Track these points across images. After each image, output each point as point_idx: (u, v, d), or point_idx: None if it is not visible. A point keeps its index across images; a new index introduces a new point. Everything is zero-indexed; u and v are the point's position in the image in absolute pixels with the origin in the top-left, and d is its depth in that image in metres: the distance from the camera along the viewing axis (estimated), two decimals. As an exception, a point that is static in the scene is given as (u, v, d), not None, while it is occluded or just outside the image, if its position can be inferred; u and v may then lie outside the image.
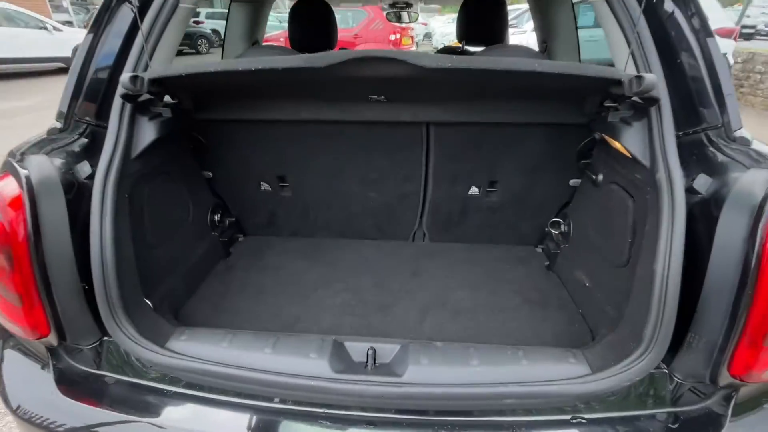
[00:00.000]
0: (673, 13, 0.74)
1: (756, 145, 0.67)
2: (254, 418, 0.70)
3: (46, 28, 7.45)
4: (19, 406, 0.72)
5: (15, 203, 0.66)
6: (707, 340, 0.63)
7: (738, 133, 0.69)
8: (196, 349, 0.73)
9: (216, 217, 1.18)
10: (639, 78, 0.64)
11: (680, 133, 0.73)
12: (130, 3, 0.79)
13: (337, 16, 1.46)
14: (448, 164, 1.09)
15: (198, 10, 14.84)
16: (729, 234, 0.59)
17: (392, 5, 2.66)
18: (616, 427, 0.66)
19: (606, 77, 0.66)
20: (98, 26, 0.81)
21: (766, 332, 0.59)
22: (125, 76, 0.69)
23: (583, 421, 0.66)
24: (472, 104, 0.93)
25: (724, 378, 0.64)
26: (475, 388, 0.66)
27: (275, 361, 0.70)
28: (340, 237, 1.31)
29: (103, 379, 0.76)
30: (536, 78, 0.70)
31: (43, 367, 0.76)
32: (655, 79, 0.63)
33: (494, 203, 1.17)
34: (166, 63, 0.86)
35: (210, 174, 1.15)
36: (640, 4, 0.73)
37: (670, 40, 0.74)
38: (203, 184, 1.13)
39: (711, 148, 0.69)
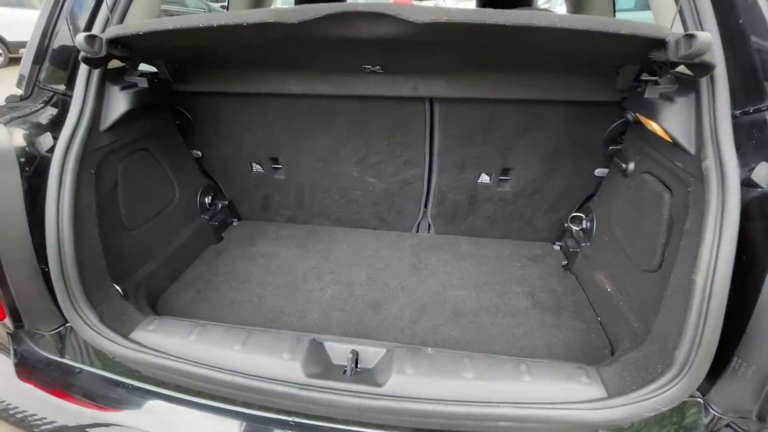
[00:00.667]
0: None
1: None
2: (216, 421, 0.63)
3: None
4: None
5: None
6: (758, 368, 0.50)
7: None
8: (161, 341, 0.66)
9: (207, 200, 1.12)
10: (689, 37, 0.50)
11: (738, 113, 0.59)
12: None
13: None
14: (455, 147, 0.96)
15: None
16: None
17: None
18: None
19: (647, 35, 0.53)
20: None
21: None
22: (80, 36, 0.61)
23: None
24: (482, 77, 0.80)
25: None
26: (464, 406, 0.56)
27: (243, 360, 0.62)
28: (337, 225, 1.22)
29: (67, 367, 0.71)
30: (558, 40, 0.58)
31: (2, 352, 0.71)
32: (710, 38, 0.50)
33: (507, 194, 1.04)
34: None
35: (199, 153, 1.08)
36: None
37: None
38: (191, 163, 1.06)
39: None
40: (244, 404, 0.63)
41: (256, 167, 1.11)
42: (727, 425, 0.55)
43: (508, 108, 0.87)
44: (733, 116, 0.59)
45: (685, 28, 0.61)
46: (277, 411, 0.62)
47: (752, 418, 0.53)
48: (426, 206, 1.13)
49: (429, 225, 1.18)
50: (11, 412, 0.68)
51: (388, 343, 0.68)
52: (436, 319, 0.86)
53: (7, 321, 0.67)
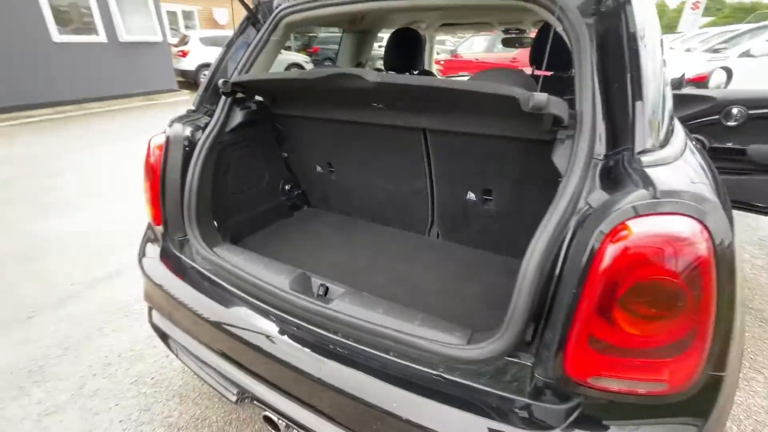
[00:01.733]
0: (616, 46, 0.78)
1: (650, 171, 0.67)
2: (237, 304, 1.06)
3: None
4: (141, 262, 1.27)
5: (160, 148, 1.20)
6: (551, 337, 0.68)
7: (642, 156, 0.69)
8: (225, 254, 1.14)
9: (286, 187, 1.63)
10: (531, 96, 0.73)
11: (607, 154, 0.76)
12: (256, 21, 1.28)
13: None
14: (446, 167, 1.25)
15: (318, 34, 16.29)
16: (579, 243, 0.65)
17: (505, 31, 2.77)
18: (469, 394, 0.75)
19: (503, 94, 0.77)
20: (224, 50, 1.33)
21: (590, 333, 0.62)
22: (219, 81, 1.16)
23: (441, 379, 0.78)
24: (457, 115, 1.08)
25: (564, 379, 0.67)
26: (369, 324, 0.86)
27: (260, 273, 1.05)
28: (371, 221, 1.59)
29: (182, 260, 1.24)
30: (462, 96, 0.86)
31: (156, 243, 1.29)
32: (543, 97, 0.72)
33: (492, 211, 1.26)
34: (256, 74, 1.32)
35: (285, 154, 1.60)
36: (591, 42, 0.80)
37: (609, 72, 0.78)
38: (279, 160, 1.60)
39: (620, 169, 0.71)
40: (257, 298, 1.04)
41: (319, 169, 1.58)
42: (540, 386, 0.71)
43: (480, 140, 1.12)
44: (605, 156, 0.76)
45: (578, 95, 0.80)
46: (271, 306, 1.01)
47: (553, 380, 0.69)
48: (433, 214, 1.42)
49: (438, 232, 1.46)
50: (150, 277, 1.23)
51: (349, 288, 1.01)
52: (396, 288, 1.14)
53: (161, 227, 1.24)
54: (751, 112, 1.95)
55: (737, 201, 2.10)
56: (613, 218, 0.60)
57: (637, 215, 0.59)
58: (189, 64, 9.41)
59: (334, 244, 1.42)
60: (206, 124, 1.27)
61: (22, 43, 6.66)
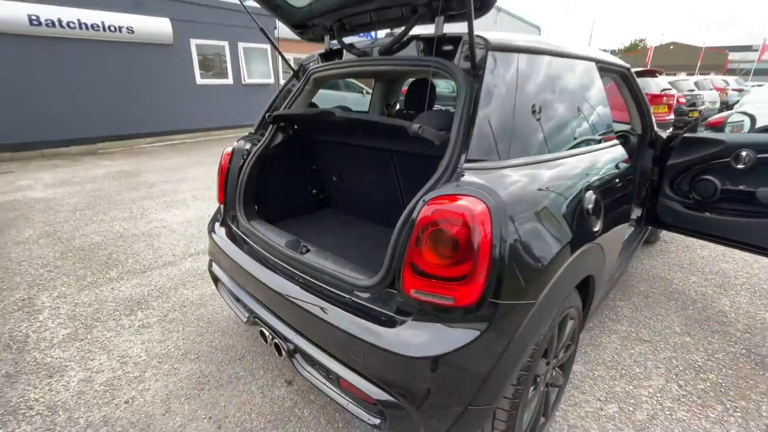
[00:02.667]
0: (471, 98, 1.17)
1: (467, 176, 1.05)
2: (254, 254, 1.61)
3: (361, 92, 11.24)
4: (208, 229, 1.93)
5: (227, 155, 1.88)
6: (400, 266, 1.08)
7: (469, 165, 1.08)
8: (256, 225, 1.73)
9: (313, 191, 2.22)
10: (410, 126, 1.18)
11: (465, 163, 1.16)
12: (298, 78, 1.93)
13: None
14: (408, 181, 1.68)
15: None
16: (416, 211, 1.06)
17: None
18: (366, 309, 1.16)
19: (397, 125, 1.22)
20: (276, 94, 1.99)
21: (411, 261, 1.02)
22: (267, 114, 1.80)
23: (353, 300, 1.20)
24: (402, 140, 1.53)
25: (402, 294, 1.06)
26: (319, 267, 1.33)
27: (271, 236, 1.60)
28: (368, 221, 2.07)
29: (231, 228, 1.86)
30: (386, 126, 1.34)
31: (219, 218, 1.95)
32: (416, 127, 1.16)
33: None
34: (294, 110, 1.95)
35: (314, 167, 2.20)
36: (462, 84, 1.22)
37: (464, 113, 1.17)
38: (309, 171, 2.19)
39: (457, 172, 1.10)
40: (265, 250, 1.58)
41: (335, 179, 2.13)
42: (400, 305, 1.10)
43: (415, 158, 1.55)
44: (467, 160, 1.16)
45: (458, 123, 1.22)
46: (272, 255, 1.54)
47: (401, 294, 1.09)
48: None
49: None
50: (215, 240, 1.87)
51: (320, 250, 1.50)
52: (355, 254, 1.59)
53: (222, 206, 1.90)
54: (759, 156, 2.01)
55: (749, 244, 2.11)
56: (429, 195, 1.02)
57: (444, 194, 1.00)
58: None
59: (331, 231, 1.94)
60: (259, 142, 1.92)
61: (177, 85, 8.79)
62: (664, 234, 3.33)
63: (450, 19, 1.34)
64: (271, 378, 1.76)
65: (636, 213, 2.56)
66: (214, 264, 1.88)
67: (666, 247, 3.20)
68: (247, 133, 2.00)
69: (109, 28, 7.65)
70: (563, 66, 1.45)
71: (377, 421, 1.11)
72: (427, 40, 1.37)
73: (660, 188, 2.45)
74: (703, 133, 2.37)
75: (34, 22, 6.86)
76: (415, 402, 1.03)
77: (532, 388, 1.24)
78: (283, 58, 2.02)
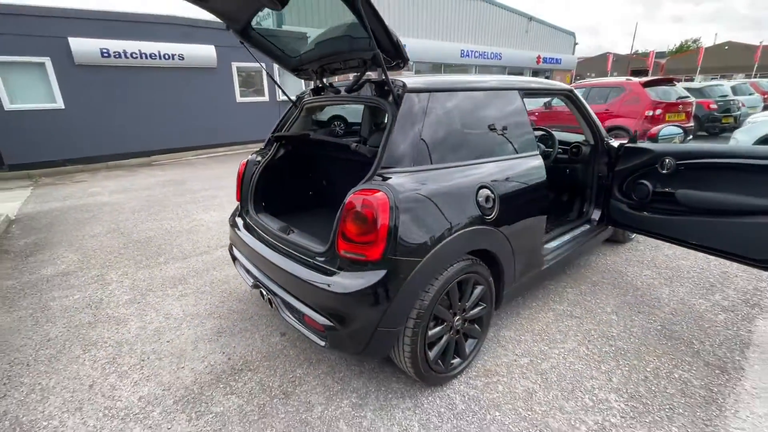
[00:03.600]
0: (390, 122, 1.71)
1: (380, 178, 1.59)
2: (257, 235, 2.22)
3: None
4: (230, 219, 2.58)
5: (243, 165, 2.53)
6: (335, 237, 1.63)
7: (379, 170, 1.61)
8: (261, 216, 2.34)
9: (310, 193, 2.82)
10: (350, 144, 1.74)
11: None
12: (296, 106, 2.56)
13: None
14: None
15: None
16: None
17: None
18: (323, 268, 1.72)
19: (342, 143, 1.78)
20: (280, 119, 2.63)
21: (342, 231, 1.57)
22: (271, 135, 2.44)
23: (314, 261, 1.77)
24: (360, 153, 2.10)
25: (336, 253, 1.62)
26: (296, 241, 1.92)
27: (269, 223, 2.21)
28: None
29: (244, 218, 2.49)
30: (337, 144, 1.91)
31: (237, 213, 2.59)
32: (354, 144, 1.72)
33: None
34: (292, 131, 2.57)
35: (310, 174, 2.80)
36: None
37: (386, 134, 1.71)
38: (307, 177, 2.80)
39: (377, 174, 1.64)
40: (264, 232, 2.20)
41: (324, 182, 2.72)
42: (340, 263, 1.65)
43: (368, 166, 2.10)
44: (382, 167, 1.70)
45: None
46: (268, 235, 2.15)
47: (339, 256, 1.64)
48: None
49: None
50: (232, 228, 2.52)
51: (301, 232, 2.08)
52: (327, 237, 2.16)
53: (239, 203, 2.54)
54: (678, 162, 2.39)
55: (675, 238, 2.47)
56: (353, 189, 1.57)
57: (362, 189, 1.55)
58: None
59: (316, 220, 2.52)
60: (266, 155, 2.56)
61: (220, 103, 9.89)
62: (637, 235, 3.63)
63: (389, 69, 1.90)
64: (270, 331, 2.36)
65: (596, 214, 2.95)
66: (233, 246, 2.51)
67: (635, 246, 3.51)
68: (259, 149, 2.64)
69: (164, 56, 8.84)
70: (472, 97, 1.94)
71: (323, 343, 1.66)
72: (374, 83, 1.93)
73: (611, 191, 2.84)
74: (639, 144, 2.75)
75: (105, 54, 8.12)
76: (344, 324, 1.57)
77: (437, 328, 1.73)
78: (283, 91, 2.66)
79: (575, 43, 28.25)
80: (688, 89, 10.90)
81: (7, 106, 7.33)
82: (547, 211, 2.21)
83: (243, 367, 2.04)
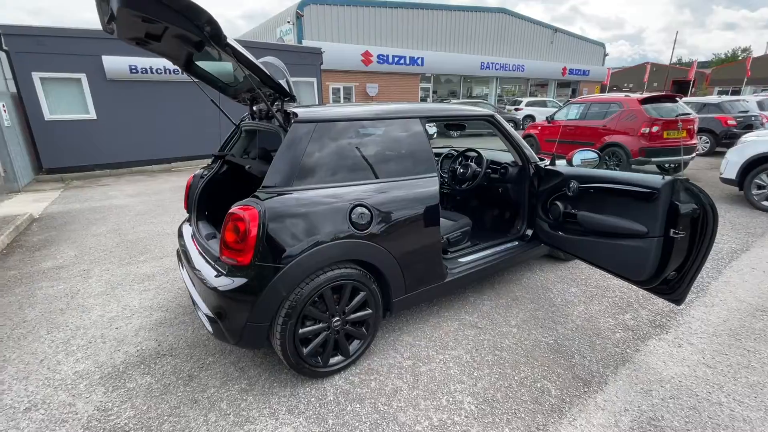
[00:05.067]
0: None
1: (259, 195, 1.89)
2: (191, 240, 2.58)
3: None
4: (179, 228, 2.96)
5: (190, 178, 2.91)
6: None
7: (266, 189, 1.91)
8: (201, 224, 2.71)
9: None
10: (252, 165, 2.05)
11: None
12: (238, 128, 2.92)
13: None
14: None
15: (520, 99, 18.59)
16: None
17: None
18: (216, 269, 2.05)
19: (241, 164, 2.09)
20: (226, 139, 2.99)
21: (224, 240, 1.88)
22: (214, 154, 2.80)
23: (215, 264, 2.10)
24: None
25: (221, 257, 1.92)
26: (211, 246, 2.25)
27: (203, 229, 2.57)
28: None
29: (187, 225, 2.87)
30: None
31: (184, 222, 2.97)
32: (249, 165, 2.03)
33: None
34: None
35: (253, 187, 3.14)
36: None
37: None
38: (242, 192, 3.14)
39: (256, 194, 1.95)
40: (197, 237, 2.56)
41: None
42: (230, 267, 1.96)
43: None
44: (264, 186, 2.00)
45: None
46: (198, 240, 2.51)
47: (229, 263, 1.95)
48: None
49: None
50: (179, 232, 2.90)
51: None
52: None
53: (186, 211, 2.92)
54: (580, 185, 2.55)
55: (581, 257, 2.61)
56: (235, 204, 1.88)
57: (240, 205, 1.85)
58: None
59: None
60: (210, 170, 2.92)
61: (237, 114, 10.59)
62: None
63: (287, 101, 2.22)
64: (202, 324, 2.70)
65: (530, 231, 3.11)
66: (179, 248, 2.89)
67: (575, 264, 3.60)
68: (206, 164, 3.02)
69: (176, 71, 9.60)
70: (362, 126, 2.21)
71: (212, 331, 1.97)
72: (282, 112, 2.24)
73: (536, 210, 3.00)
74: (553, 166, 2.89)
75: (133, 71, 8.98)
76: (222, 318, 1.88)
77: (312, 327, 2.00)
78: (225, 114, 3.03)
79: (605, 54, 27.56)
80: (705, 104, 10.53)
81: (47, 116, 8.28)
82: (436, 230, 2.39)
83: (167, 353, 2.38)
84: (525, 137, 9.94)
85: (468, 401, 1.95)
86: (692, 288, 2.98)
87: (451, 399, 1.97)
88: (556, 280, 3.27)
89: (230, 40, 1.76)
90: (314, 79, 11.86)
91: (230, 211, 1.87)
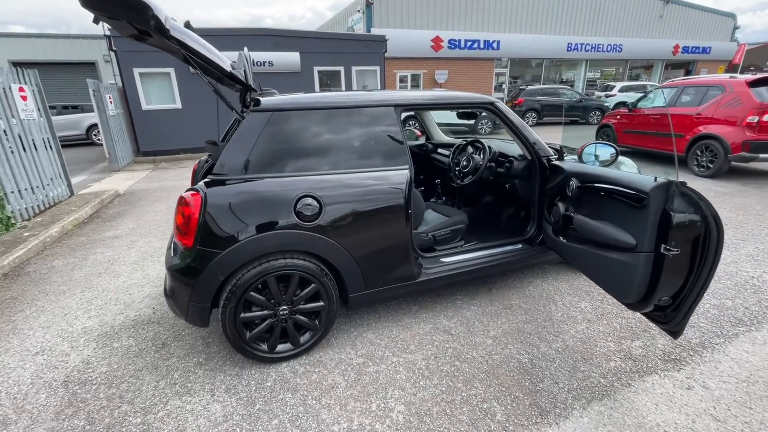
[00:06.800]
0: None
1: (207, 181, 1.95)
2: None
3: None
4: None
5: (195, 165, 3.14)
6: None
7: (218, 175, 1.97)
8: None
9: None
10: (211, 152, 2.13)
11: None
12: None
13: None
14: None
15: (613, 84, 16.68)
16: None
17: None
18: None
19: (217, 152, 2.17)
20: (228, 127, 3.16)
21: (177, 223, 2.00)
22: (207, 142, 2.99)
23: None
24: None
25: (176, 239, 2.05)
26: None
27: None
28: None
29: None
30: None
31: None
32: (207, 156, 2.10)
33: None
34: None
35: None
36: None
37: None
38: None
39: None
40: None
41: None
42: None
43: None
44: (213, 173, 2.06)
45: None
46: None
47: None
48: None
49: None
50: None
51: None
52: None
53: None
54: (579, 185, 2.22)
55: (579, 269, 2.29)
56: (187, 189, 1.97)
57: (189, 190, 1.95)
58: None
59: None
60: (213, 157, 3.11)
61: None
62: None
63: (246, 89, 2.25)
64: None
65: (538, 234, 2.80)
66: None
67: (602, 275, 3.11)
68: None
69: (257, 63, 10.34)
70: (323, 115, 2.14)
71: (167, 305, 2.13)
72: (253, 101, 2.28)
73: (542, 211, 2.68)
74: (559, 161, 2.50)
75: (213, 64, 9.91)
76: (171, 295, 2.01)
77: (255, 312, 2.04)
78: (226, 102, 3.18)
79: (735, 27, 22.99)
80: None
81: (144, 106, 9.61)
82: (403, 226, 2.24)
83: (155, 321, 2.64)
84: (601, 128, 8.80)
85: (399, 410, 1.83)
86: (714, 325, 2.39)
87: (382, 405, 1.86)
88: (567, 292, 2.87)
89: (177, 32, 1.82)
90: (377, 68, 11.89)
91: (181, 195, 1.97)
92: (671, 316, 1.73)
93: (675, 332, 1.73)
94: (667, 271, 1.64)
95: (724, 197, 5.21)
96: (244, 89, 2.39)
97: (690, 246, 1.59)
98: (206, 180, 1.99)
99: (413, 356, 2.21)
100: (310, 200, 2.02)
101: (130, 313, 2.75)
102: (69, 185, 6.11)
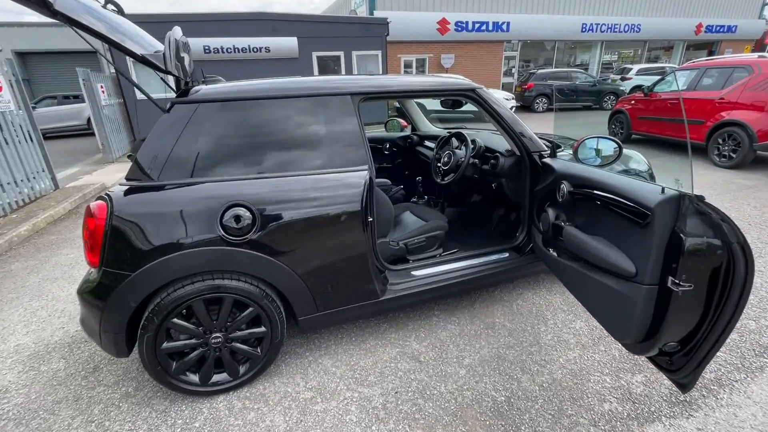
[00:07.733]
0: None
1: (117, 188, 1.63)
2: None
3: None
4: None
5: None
6: None
7: (129, 182, 1.65)
8: None
9: None
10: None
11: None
12: None
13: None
14: None
15: (630, 66, 15.87)
16: None
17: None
18: None
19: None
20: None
21: (83, 238, 1.70)
22: None
23: None
24: None
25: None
26: None
27: None
28: None
29: None
30: None
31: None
32: (133, 156, 1.78)
33: None
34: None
35: None
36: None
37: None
38: None
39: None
40: None
41: None
42: None
43: None
44: (126, 178, 1.74)
45: None
46: None
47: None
48: None
49: None
50: None
51: None
52: None
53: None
54: (572, 189, 1.84)
55: (570, 290, 1.94)
56: (97, 197, 1.66)
57: (99, 199, 1.63)
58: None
59: None
60: None
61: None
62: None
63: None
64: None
65: (527, 241, 2.43)
66: None
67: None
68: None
69: (253, 49, 10.00)
70: (261, 107, 1.79)
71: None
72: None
73: (531, 216, 2.31)
74: (549, 159, 2.11)
75: (207, 50, 9.59)
76: (81, 321, 1.73)
77: (180, 342, 1.74)
78: (141, 90, 2.84)
79: (765, 3, 21.57)
80: None
81: (139, 96, 9.36)
82: (360, 238, 1.89)
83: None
84: (614, 114, 8.21)
85: (340, 466, 1.52)
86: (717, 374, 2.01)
87: (322, 458, 1.56)
88: (560, 308, 2.50)
89: (65, 7, 1.48)
90: (378, 52, 11.38)
91: (89, 203, 1.67)
92: (680, 363, 1.36)
93: (684, 385, 1.37)
94: (675, 310, 1.27)
95: (747, 191, 4.70)
96: (176, 78, 2.04)
97: (706, 280, 1.22)
98: (121, 184, 1.68)
99: (370, 390, 1.89)
100: (240, 210, 1.69)
101: (71, 327, 2.50)
102: (53, 179, 5.91)
